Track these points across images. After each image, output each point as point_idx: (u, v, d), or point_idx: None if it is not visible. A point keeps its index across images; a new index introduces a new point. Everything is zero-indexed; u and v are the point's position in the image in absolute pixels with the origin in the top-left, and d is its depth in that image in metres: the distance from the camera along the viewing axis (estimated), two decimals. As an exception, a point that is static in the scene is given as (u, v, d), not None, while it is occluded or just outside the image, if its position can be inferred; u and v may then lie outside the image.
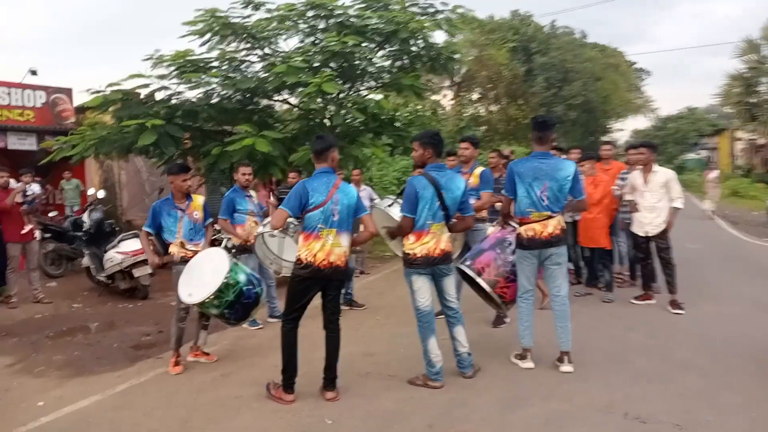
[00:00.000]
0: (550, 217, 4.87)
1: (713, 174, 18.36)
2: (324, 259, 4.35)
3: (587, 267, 7.74)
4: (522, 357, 5.05)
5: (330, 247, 4.37)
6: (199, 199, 5.66)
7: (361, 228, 4.68)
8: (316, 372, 4.54)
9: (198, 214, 5.57)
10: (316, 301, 4.52)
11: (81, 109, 14.13)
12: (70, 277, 10.13)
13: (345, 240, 4.46)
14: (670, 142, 48.43)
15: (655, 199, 6.75)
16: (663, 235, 6.74)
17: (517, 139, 28.40)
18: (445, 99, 31.08)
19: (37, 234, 8.49)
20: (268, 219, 6.13)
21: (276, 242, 5.65)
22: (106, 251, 8.57)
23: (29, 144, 13.95)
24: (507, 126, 29.14)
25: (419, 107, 20.47)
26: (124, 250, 8.25)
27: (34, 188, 8.46)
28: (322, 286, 4.47)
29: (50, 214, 11.16)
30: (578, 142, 30.72)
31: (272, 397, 4.46)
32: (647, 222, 6.79)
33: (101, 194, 9.87)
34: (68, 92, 14.79)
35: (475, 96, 31.09)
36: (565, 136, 31.55)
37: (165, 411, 4.35)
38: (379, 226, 5.66)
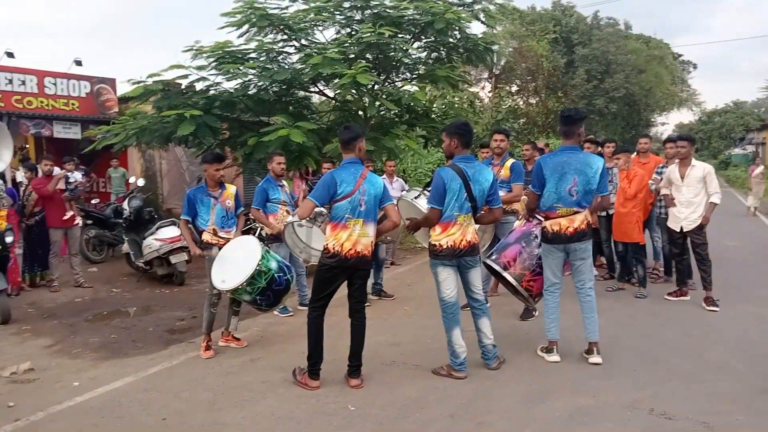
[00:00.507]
0: (577, 212, 4.82)
1: (758, 170, 17.77)
2: (351, 249, 4.39)
3: (620, 262, 7.62)
4: (548, 350, 5.02)
5: (357, 237, 4.41)
6: (231, 188, 5.77)
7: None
8: (342, 359, 4.61)
9: (230, 203, 5.67)
10: (344, 290, 4.57)
11: (124, 99, 14.47)
12: (111, 263, 10.44)
13: (371, 230, 4.50)
14: (716, 137, 47.24)
15: (692, 193, 6.58)
16: (699, 230, 6.58)
17: (555, 132, 28.00)
18: (484, 91, 30.85)
19: (79, 220, 8.77)
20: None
21: (304, 231, 5.72)
22: (144, 238, 8.81)
23: (74, 133, 14.37)
24: (546, 119, 28.76)
25: (456, 99, 20.38)
26: (162, 237, 8.46)
27: (77, 176, 8.73)
28: (349, 275, 4.52)
29: (92, 201, 11.51)
30: (619, 135, 30.16)
31: (298, 382, 4.54)
32: (683, 217, 6.63)
33: (141, 182, 10.14)
34: (112, 82, 15.18)
35: (514, 88, 30.77)
36: (606, 130, 30.97)
37: (193, 393, 4.47)
38: (405, 217, 5.68)
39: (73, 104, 14.39)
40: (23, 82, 13.41)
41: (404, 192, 6.76)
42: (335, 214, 4.44)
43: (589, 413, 3.99)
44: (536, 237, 5.25)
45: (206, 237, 5.58)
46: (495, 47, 12.45)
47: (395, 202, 4.82)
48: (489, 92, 30.20)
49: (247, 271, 5.03)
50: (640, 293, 7.07)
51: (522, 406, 4.12)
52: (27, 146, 15.15)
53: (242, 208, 5.89)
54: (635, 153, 8.03)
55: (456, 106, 17.11)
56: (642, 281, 7.17)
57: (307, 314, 4.59)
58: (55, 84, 14.07)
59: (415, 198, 5.75)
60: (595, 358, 4.85)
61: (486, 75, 31.40)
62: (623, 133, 31.16)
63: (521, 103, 30.23)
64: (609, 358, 4.90)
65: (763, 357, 5.02)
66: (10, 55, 14.10)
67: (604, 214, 7.62)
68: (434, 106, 14.93)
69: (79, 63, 15.14)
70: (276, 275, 5.20)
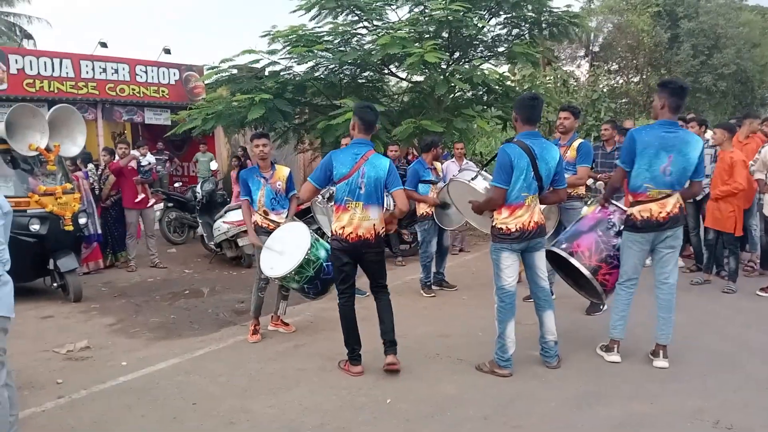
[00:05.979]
0: (669, 195, 4.32)
1: None
2: (352, 232, 4.31)
3: (708, 251, 6.87)
4: (608, 349, 4.57)
5: (358, 221, 4.31)
6: (284, 170, 5.68)
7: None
8: (380, 349, 4.43)
9: (281, 185, 5.58)
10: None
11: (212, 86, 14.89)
12: (191, 244, 10.74)
13: (374, 213, 4.36)
14: (844, 116, 42.78)
15: (796, 177, 5.82)
16: (802, 219, 5.83)
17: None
18: (580, 69, 29.44)
19: (154, 203, 9.05)
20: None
21: (325, 216, 5.60)
22: (215, 220, 8.97)
23: (164, 119, 14.96)
24: (647, 98, 26.99)
25: (548, 78, 19.46)
26: (230, 219, 8.56)
27: (150, 159, 9.00)
28: (356, 258, 4.43)
29: (176, 185, 11.92)
30: (730, 115, 27.88)
31: (343, 370, 4.48)
32: None
33: (214, 166, 10.36)
34: (199, 69, 15.60)
35: (614, 66, 29.11)
36: (715, 109, 28.73)
37: (230, 378, 4.42)
38: (461, 201, 5.35)
39: (163, 91, 14.94)
40: (116, 71, 14.05)
41: (457, 173, 6.20)
42: (337, 196, 4.40)
43: (642, 422, 3.58)
44: (614, 225, 4.73)
45: (257, 219, 5.54)
46: (589, 22, 11.65)
47: (404, 187, 4.64)
48: (586, 71, 28.75)
49: (296, 260, 4.92)
50: (729, 288, 6.37)
51: (565, 411, 3.75)
52: (125, 132, 15.97)
53: (294, 192, 5.79)
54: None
55: (545, 85, 16.27)
56: (732, 275, 6.45)
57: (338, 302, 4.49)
58: (146, 72, 14.66)
59: (472, 179, 5.37)
60: (660, 362, 4.37)
61: (582, 53, 29.96)
62: (734, 113, 28.76)
63: (621, 81, 28.59)
64: (678, 360, 4.41)
65: None
66: (103, 45, 14.81)
67: (691, 200, 6.91)
68: (524, 86, 14.24)
69: (168, 51, 15.70)
70: (324, 264, 5.05)
